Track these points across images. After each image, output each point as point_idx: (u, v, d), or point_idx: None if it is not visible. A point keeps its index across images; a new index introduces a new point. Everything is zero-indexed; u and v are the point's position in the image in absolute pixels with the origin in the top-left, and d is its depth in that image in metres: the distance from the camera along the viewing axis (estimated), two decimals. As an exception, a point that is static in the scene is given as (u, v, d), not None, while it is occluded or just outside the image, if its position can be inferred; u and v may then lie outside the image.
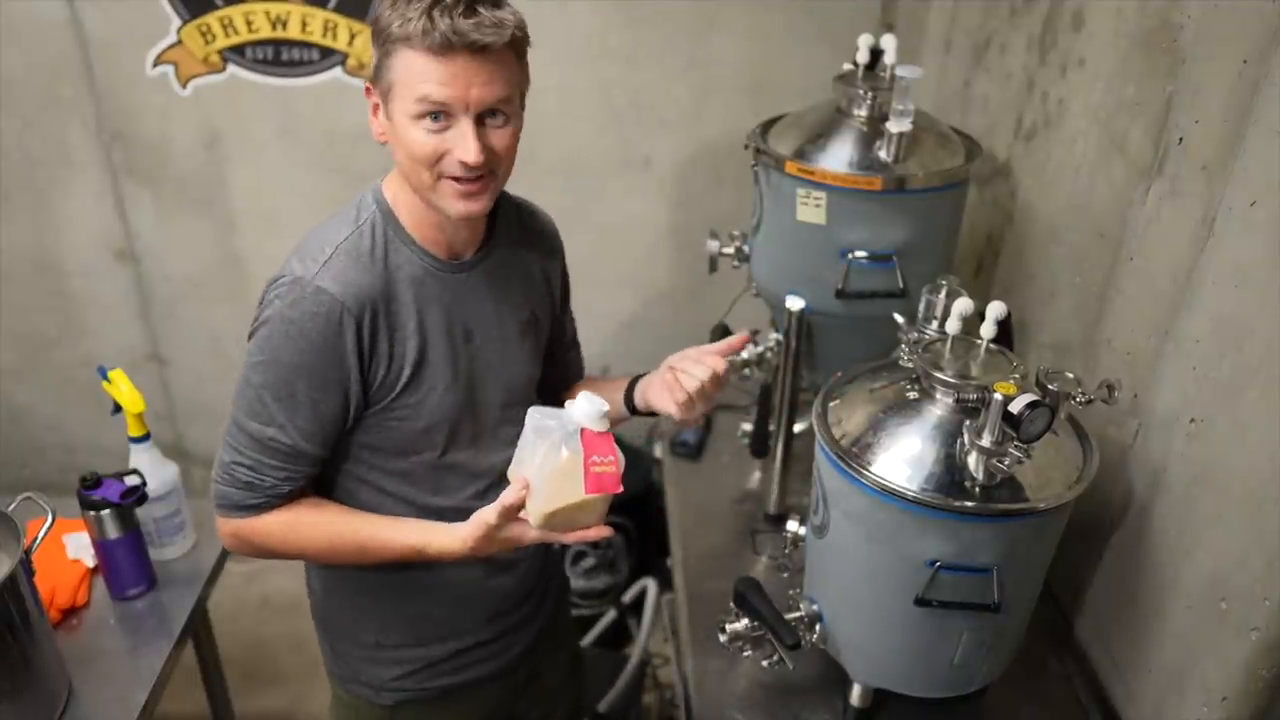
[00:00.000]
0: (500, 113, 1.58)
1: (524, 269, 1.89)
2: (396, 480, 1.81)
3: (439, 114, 1.54)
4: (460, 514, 1.69)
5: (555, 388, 2.08)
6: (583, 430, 1.58)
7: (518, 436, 1.67)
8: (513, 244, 1.86)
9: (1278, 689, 1.53)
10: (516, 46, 1.57)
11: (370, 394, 1.70)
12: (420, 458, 1.80)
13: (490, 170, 1.61)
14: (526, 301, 1.89)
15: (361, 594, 1.92)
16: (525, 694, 2.18)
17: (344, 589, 1.94)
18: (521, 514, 1.62)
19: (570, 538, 1.64)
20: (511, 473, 1.64)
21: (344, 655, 1.99)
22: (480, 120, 1.56)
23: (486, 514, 1.62)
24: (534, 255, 1.91)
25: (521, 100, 1.65)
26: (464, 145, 1.55)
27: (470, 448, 1.84)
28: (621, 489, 1.58)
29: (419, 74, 1.51)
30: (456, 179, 1.59)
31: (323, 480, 1.82)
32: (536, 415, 1.61)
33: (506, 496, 1.59)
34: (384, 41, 1.53)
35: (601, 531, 1.64)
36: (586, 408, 1.57)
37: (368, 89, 1.62)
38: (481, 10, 1.49)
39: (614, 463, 1.58)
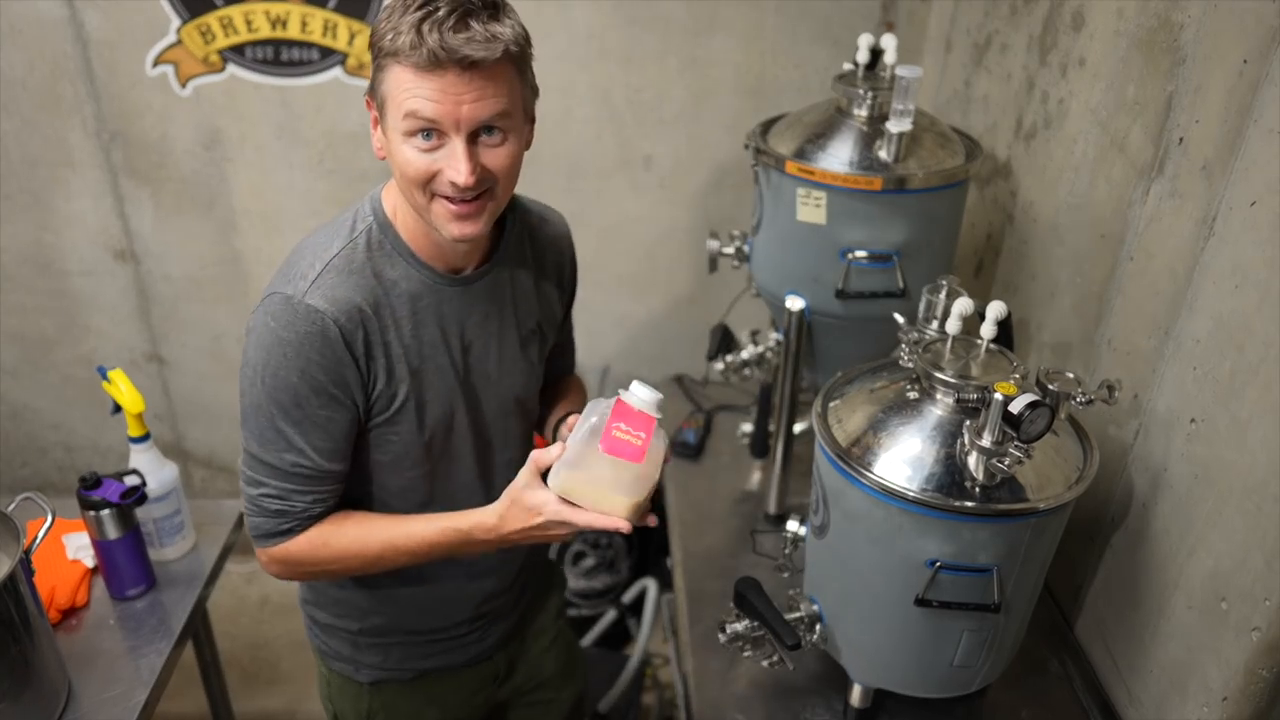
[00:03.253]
0: (497, 130, 1.54)
1: (531, 283, 1.87)
2: (399, 495, 1.84)
3: (429, 132, 1.51)
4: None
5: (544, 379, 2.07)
6: (618, 399, 1.61)
7: (514, 446, 1.82)
8: (520, 258, 1.85)
9: (1278, 689, 1.53)
10: (515, 60, 1.53)
11: (372, 406, 1.71)
12: (426, 469, 1.82)
13: (487, 190, 1.58)
14: (530, 314, 1.88)
15: (353, 587, 1.95)
16: (507, 682, 2.24)
17: (337, 582, 1.96)
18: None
19: (581, 518, 1.61)
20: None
21: (327, 633, 2.04)
22: (474, 138, 1.53)
23: (518, 478, 1.66)
24: (544, 267, 1.90)
25: (527, 114, 1.62)
26: (455, 165, 1.52)
27: (470, 456, 1.86)
28: (642, 461, 1.58)
29: (407, 89, 1.47)
30: (450, 199, 1.56)
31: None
32: (593, 403, 1.66)
33: (538, 453, 1.63)
34: (377, 55, 1.51)
35: (615, 523, 1.59)
36: (637, 389, 1.61)
37: (368, 101, 1.59)
38: (474, 24, 1.45)
39: (642, 438, 1.58)
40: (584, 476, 1.60)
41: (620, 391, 1.62)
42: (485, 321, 1.79)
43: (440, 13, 1.44)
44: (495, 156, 1.55)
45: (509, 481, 1.70)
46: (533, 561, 2.17)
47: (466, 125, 1.50)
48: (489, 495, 1.85)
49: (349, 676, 2.05)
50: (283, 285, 1.62)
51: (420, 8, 1.44)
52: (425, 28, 1.43)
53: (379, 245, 1.67)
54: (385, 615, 1.98)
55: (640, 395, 1.60)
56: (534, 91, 1.62)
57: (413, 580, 1.93)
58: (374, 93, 1.55)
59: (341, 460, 1.72)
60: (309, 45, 3.18)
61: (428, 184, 1.55)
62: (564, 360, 2.15)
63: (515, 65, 1.53)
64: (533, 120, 1.64)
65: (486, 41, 1.45)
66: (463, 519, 1.72)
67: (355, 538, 1.74)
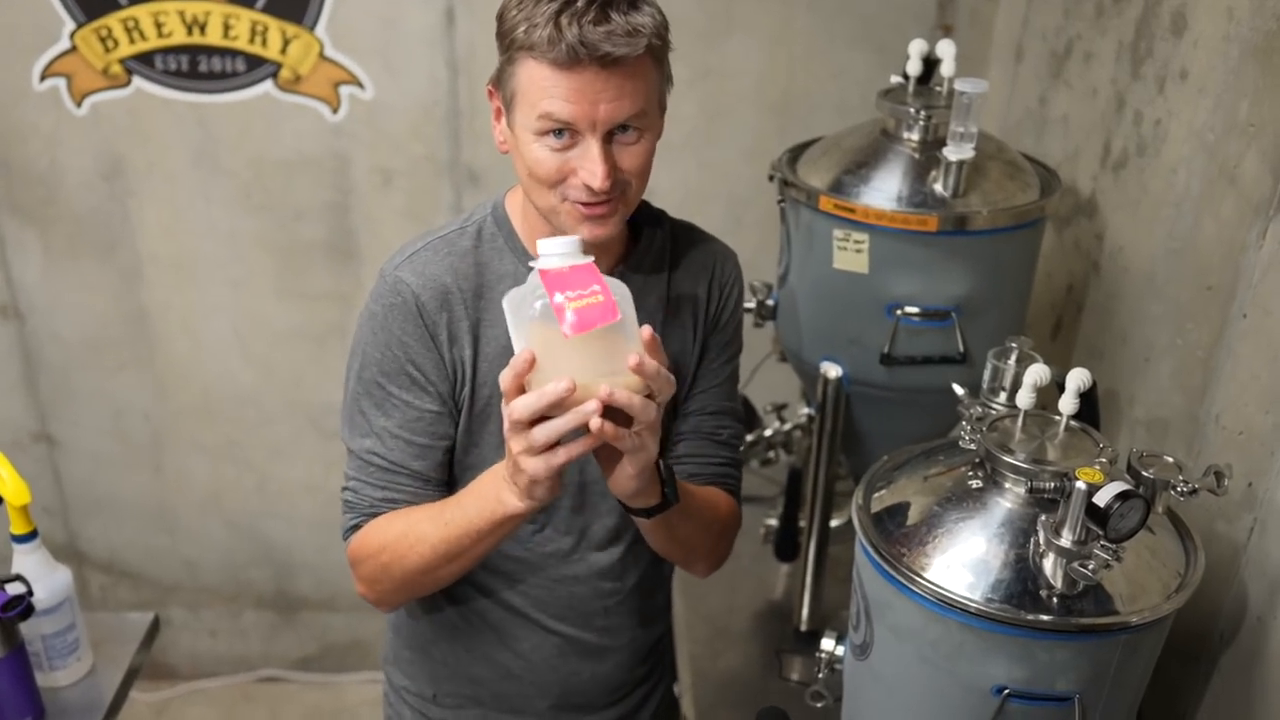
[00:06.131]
0: (633, 128, 1.67)
1: (660, 299, 1.93)
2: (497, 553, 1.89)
3: (563, 131, 1.63)
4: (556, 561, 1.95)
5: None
6: (539, 271, 1.52)
7: (616, 513, 1.89)
8: (654, 270, 1.93)
9: None
10: (655, 53, 1.67)
11: (459, 405, 1.83)
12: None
13: (620, 191, 1.69)
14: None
15: (430, 640, 2.09)
16: None
17: (414, 630, 2.11)
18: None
19: (523, 408, 1.49)
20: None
21: (399, 696, 2.19)
22: (609, 136, 1.65)
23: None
24: (682, 287, 1.96)
25: (662, 106, 1.75)
26: (589, 168, 1.63)
27: (575, 482, 1.92)
28: (619, 315, 1.48)
29: (542, 87, 1.60)
30: (581, 202, 1.67)
31: None
32: (510, 296, 1.57)
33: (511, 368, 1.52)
34: (507, 46, 1.63)
35: (581, 415, 1.48)
36: (546, 246, 1.54)
37: (490, 91, 1.74)
38: (615, 16, 1.57)
39: (599, 290, 1.49)
40: (575, 373, 1.49)
41: (533, 264, 1.53)
42: None
43: (579, 3, 1.56)
44: (630, 156, 1.68)
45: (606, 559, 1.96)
46: (646, 684, 2.25)
47: (603, 126, 1.63)
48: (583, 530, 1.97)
49: None
50: (385, 262, 1.82)
51: None
52: (564, 20, 1.54)
53: (490, 238, 1.84)
54: (463, 679, 2.09)
55: (556, 250, 1.53)
56: (670, 81, 1.77)
57: (498, 646, 2.04)
58: (500, 84, 1.70)
59: (419, 459, 1.83)
60: (233, 53, 3.21)
61: (558, 185, 1.67)
62: (709, 448, 2.01)
63: (654, 58, 1.68)
64: (664, 110, 1.77)
65: (628, 35, 1.58)
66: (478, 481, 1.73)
67: (403, 518, 1.81)
